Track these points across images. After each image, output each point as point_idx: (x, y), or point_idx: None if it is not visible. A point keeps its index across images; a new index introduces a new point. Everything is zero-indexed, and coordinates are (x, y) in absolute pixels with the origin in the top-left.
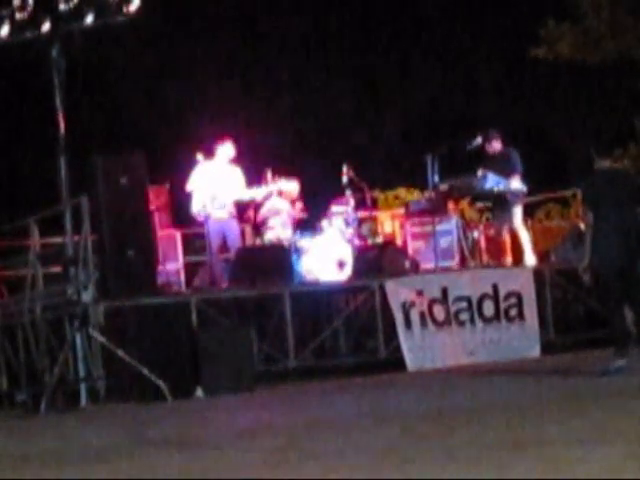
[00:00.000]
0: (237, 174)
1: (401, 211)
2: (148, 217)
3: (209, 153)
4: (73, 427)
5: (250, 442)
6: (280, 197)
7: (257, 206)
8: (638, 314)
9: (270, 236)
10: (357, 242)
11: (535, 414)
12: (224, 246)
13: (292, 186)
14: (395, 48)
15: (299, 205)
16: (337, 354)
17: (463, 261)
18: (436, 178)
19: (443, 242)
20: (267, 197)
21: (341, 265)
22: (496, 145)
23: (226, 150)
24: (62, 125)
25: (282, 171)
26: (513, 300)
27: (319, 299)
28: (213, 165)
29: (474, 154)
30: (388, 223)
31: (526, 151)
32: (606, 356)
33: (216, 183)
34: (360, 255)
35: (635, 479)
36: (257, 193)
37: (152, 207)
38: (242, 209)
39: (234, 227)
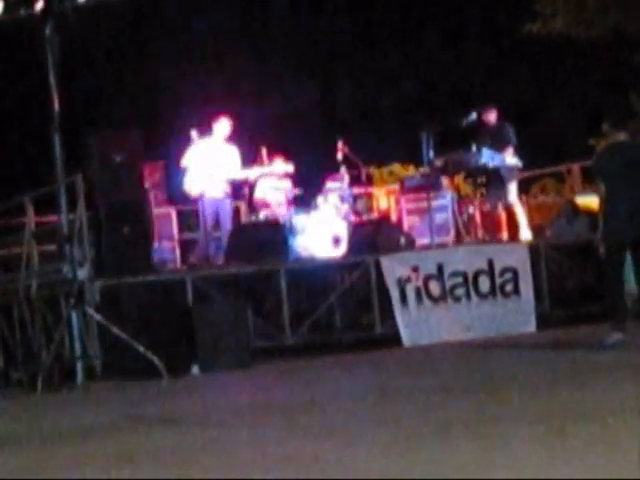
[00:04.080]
0: (233, 152)
1: (396, 187)
2: (143, 194)
3: (204, 130)
4: (69, 405)
5: (248, 419)
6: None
7: (252, 184)
8: None
9: (266, 214)
10: (352, 218)
11: (531, 389)
12: (217, 224)
13: (284, 168)
14: (390, 25)
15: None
16: (333, 330)
17: (458, 237)
18: (431, 154)
19: (438, 218)
20: (260, 177)
21: (336, 241)
22: (491, 117)
23: (222, 127)
24: (56, 103)
25: (277, 148)
26: (509, 275)
27: (315, 275)
28: (209, 143)
29: (469, 130)
30: (383, 199)
31: (521, 126)
32: (602, 330)
33: (212, 161)
34: (355, 231)
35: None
36: (251, 173)
37: (147, 184)
38: (236, 187)
39: (227, 206)
